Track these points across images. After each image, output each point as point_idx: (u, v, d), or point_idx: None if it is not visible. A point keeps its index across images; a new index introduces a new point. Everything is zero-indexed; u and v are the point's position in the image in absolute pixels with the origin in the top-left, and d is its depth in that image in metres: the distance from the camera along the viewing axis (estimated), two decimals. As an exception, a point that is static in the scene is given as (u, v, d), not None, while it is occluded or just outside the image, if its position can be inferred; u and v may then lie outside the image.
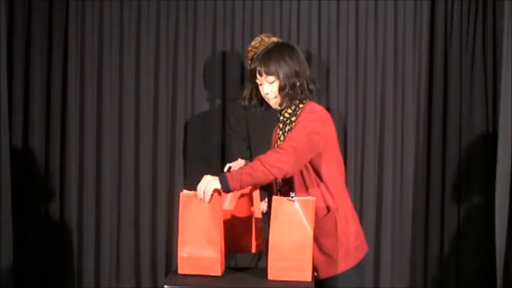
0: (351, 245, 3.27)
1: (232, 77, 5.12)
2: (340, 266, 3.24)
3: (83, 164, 5.14)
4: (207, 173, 5.00)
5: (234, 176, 3.03)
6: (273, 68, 3.22)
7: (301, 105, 3.30)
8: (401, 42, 5.14)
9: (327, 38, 5.11)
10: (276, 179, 3.11)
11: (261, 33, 4.82)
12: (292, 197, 3.06)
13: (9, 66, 4.92)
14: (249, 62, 4.48)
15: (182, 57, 5.15)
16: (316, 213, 3.13)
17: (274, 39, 4.46)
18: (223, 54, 5.14)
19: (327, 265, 3.23)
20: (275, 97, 3.27)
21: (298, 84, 3.24)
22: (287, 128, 3.30)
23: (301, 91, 3.26)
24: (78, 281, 5.12)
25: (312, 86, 3.30)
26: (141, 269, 5.15)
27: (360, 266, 3.30)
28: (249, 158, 4.42)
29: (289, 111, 3.31)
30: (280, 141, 3.30)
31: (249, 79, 3.37)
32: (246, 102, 3.37)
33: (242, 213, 3.28)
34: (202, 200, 3.04)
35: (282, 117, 3.34)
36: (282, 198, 3.08)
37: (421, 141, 5.15)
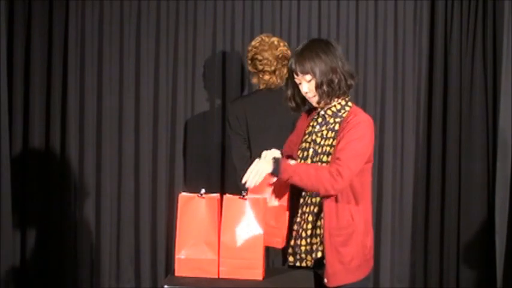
0: (365, 257, 3.28)
1: (232, 77, 5.12)
2: (353, 276, 3.24)
3: (83, 163, 5.14)
4: (207, 173, 5.08)
5: (287, 168, 3.07)
6: (307, 66, 3.17)
7: (347, 108, 3.26)
8: (401, 42, 5.13)
9: (327, 38, 5.09)
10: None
11: (261, 33, 4.84)
12: (244, 196, 3.08)
13: (9, 66, 4.92)
14: (249, 62, 4.48)
15: (182, 57, 5.15)
16: (340, 222, 3.17)
17: (275, 39, 4.47)
18: (223, 54, 5.14)
19: (341, 274, 3.21)
20: (314, 95, 3.22)
21: (335, 80, 3.18)
22: (328, 126, 3.26)
23: (339, 87, 3.20)
24: (78, 281, 5.13)
25: (350, 81, 3.23)
26: (141, 269, 5.16)
27: (367, 279, 3.32)
28: (249, 158, 4.42)
29: (334, 109, 3.27)
30: (317, 136, 3.26)
31: (289, 79, 3.30)
32: (293, 103, 3.34)
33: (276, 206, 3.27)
34: (247, 183, 3.08)
35: (322, 112, 3.29)
36: (233, 196, 3.10)
37: (421, 141, 5.15)
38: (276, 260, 4.22)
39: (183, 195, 3.09)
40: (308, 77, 3.18)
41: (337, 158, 3.11)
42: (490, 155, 5.03)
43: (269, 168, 3.09)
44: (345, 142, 3.14)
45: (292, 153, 3.41)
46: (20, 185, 5.01)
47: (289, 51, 4.50)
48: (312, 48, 3.20)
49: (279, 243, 3.29)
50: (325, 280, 3.20)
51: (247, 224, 3.06)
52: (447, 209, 5.09)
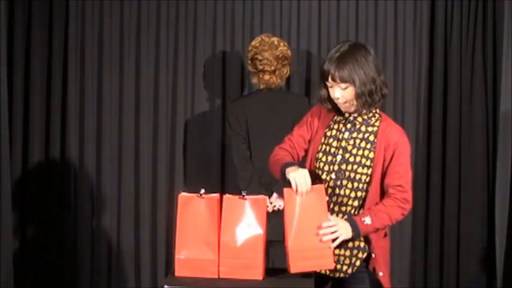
0: (388, 258, 3.32)
1: (232, 77, 5.12)
2: (384, 285, 3.28)
3: (83, 163, 5.14)
4: (207, 173, 5.08)
5: (367, 228, 3.12)
6: (347, 74, 3.09)
7: (376, 115, 3.24)
8: (401, 42, 5.13)
9: (327, 38, 5.10)
10: None
11: (261, 33, 4.84)
12: (243, 196, 3.08)
13: (9, 66, 4.92)
14: (249, 62, 4.49)
15: (182, 57, 5.15)
16: (377, 235, 3.21)
17: (275, 39, 4.47)
18: (223, 54, 5.14)
19: (376, 283, 3.25)
20: (345, 102, 3.16)
21: (374, 90, 3.13)
22: (360, 135, 3.22)
23: (378, 98, 3.15)
24: (78, 281, 5.12)
25: (385, 91, 3.19)
26: (141, 269, 5.16)
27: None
28: (249, 158, 4.43)
29: (364, 117, 3.23)
30: (347, 143, 3.22)
31: (321, 80, 3.22)
32: (329, 105, 3.26)
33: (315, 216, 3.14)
34: (298, 192, 3.09)
35: (351, 118, 3.24)
36: (233, 196, 3.10)
37: (421, 141, 5.15)
38: (276, 260, 4.22)
39: (183, 195, 3.09)
40: (344, 85, 3.12)
41: (400, 185, 3.15)
42: (490, 155, 5.03)
43: (350, 234, 3.10)
44: (398, 166, 3.16)
45: (298, 149, 3.35)
46: (20, 185, 5.01)
47: (289, 51, 4.50)
48: (352, 55, 3.12)
49: (330, 263, 3.14)
50: None
51: (247, 224, 3.06)
52: (447, 209, 5.09)
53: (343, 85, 3.12)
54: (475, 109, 5.03)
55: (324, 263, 3.10)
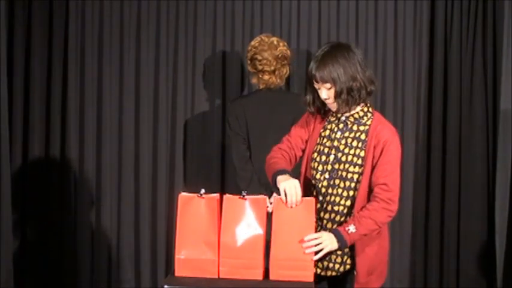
0: (385, 259, 3.33)
1: (232, 77, 5.12)
2: (380, 280, 3.29)
3: (83, 163, 5.14)
4: (207, 173, 5.08)
5: (352, 237, 3.12)
6: (328, 74, 3.13)
7: (369, 114, 3.25)
8: (401, 42, 5.13)
9: (327, 38, 5.09)
10: None
11: (261, 33, 4.84)
12: (243, 196, 3.08)
13: (9, 66, 4.91)
14: (249, 62, 4.49)
15: (182, 57, 5.15)
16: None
17: (274, 39, 4.47)
18: (223, 54, 5.14)
19: (371, 281, 3.25)
20: (333, 102, 3.19)
21: (355, 88, 3.15)
22: (352, 134, 3.24)
23: (359, 95, 3.17)
24: (78, 281, 5.13)
25: (370, 88, 3.21)
26: (141, 269, 5.16)
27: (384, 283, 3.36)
28: (249, 158, 4.43)
29: (356, 116, 3.25)
30: (340, 143, 3.24)
31: (307, 83, 3.26)
32: (312, 108, 3.30)
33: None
34: (289, 204, 3.11)
35: (344, 118, 3.27)
36: (233, 196, 3.10)
37: (421, 141, 5.15)
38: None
39: (183, 195, 3.09)
40: (328, 85, 3.15)
41: (385, 184, 3.14)
42: (490, 155, 5.03)
43: (335, 245, 3.11)
44: (386, 164, 3.16)
45: (295, 149, 3.37)
46: (20, 185, 5.01)
47: (288, 51, 4.50)
48: (332, 56, 3.16)
49: (310, 276, 3.13)
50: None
51: (247, 224, 3.07)
52: (447, 209, 5.08)
53: (327, 85, 3.16)
54: (475, 109, 5.02)
55: (303, 275, 3.09)
